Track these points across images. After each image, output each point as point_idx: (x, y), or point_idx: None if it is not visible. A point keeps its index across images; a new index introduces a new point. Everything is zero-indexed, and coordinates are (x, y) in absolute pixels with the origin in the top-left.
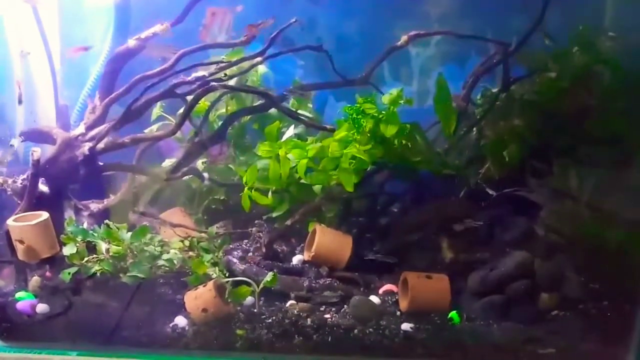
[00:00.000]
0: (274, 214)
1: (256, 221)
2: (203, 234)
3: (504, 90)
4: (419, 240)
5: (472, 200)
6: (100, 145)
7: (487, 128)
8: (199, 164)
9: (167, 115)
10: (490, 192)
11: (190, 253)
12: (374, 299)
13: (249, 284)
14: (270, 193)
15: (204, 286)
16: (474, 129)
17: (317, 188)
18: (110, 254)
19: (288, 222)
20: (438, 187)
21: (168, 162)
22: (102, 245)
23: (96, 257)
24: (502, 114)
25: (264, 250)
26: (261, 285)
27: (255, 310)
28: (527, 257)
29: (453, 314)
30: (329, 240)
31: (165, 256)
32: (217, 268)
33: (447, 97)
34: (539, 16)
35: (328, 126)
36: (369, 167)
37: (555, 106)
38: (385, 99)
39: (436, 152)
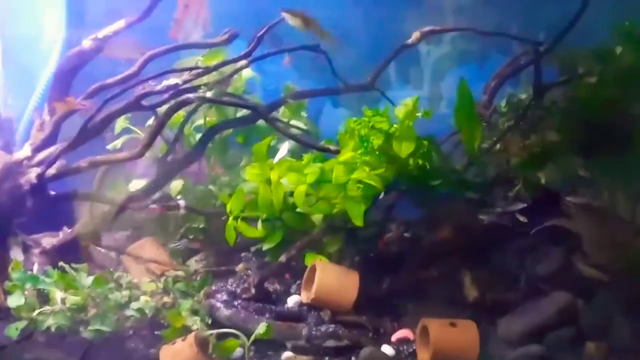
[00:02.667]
0: (265, 246)
1: (243, 254)
2: (180, 272)
3: (537, 97)
4: (437, 275)
5: (499, 228)
6: (51, 170)
7: (514, 142)
8: (176, 186)
9: (134, 128)
10: (522, 219)
11: (165, 299)
12: (387, 349)
13: (236, 336)
14: (259, 222)
15: (183, 340)
16: (498, 142)
17: (316, 217)
18: (67, 304)
19: (282, 259)
20: (458, 212)
21: (136, 184)
22: (57, 294)
23: (50, 309)
24: (534, 125)
25: (253, 291)
26: (252, 338)
27: None
28: (570, 301)
29: None
30: (331, 279)
31: (134, 305)
32: (198, 318)
33: (471, 106)
34: (580, 8)
35: (331, 147)
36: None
37: (599, 116)
38: (399, 111)
39: (455, 170)
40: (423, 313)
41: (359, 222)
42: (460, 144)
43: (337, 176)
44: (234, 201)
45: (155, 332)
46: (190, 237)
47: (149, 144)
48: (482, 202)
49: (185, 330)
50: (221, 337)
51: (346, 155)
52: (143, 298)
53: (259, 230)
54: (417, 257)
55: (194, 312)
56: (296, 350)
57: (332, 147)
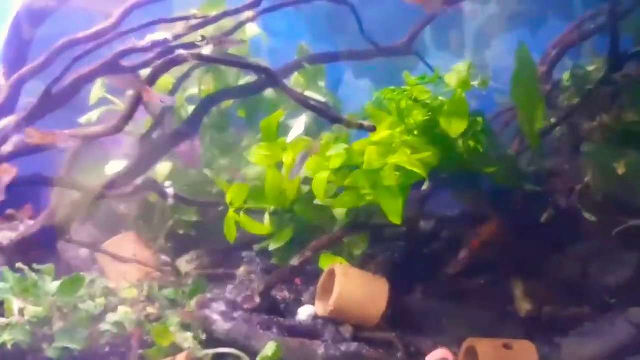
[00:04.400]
0: (272, 245)
1: (245, 254)
2: (167, 274)
3: (613, 69)
4: (482, 285)
5: (560, 228)
6: (7, 147)
7: (584, 124)
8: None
9: (112, 98)
10: (590, 217)
11: (150, 309)
12: None
13: (237, 357)
14: (266, 216)
15: None
16: (562, 123)
17: (339, 212)
18: (27, 316)
19: (294, 261)
20: (510, 207)
21: (115, 166)
22: (14, 303)
23: (5, 322)
24: (605, 103)
25: (257, 300)
26: (259, 359)
27: None
28: None
29: None
30: (354, 286)
31: (111, 317)
32: (190, 334)
33: (533, 77)
34: None
35: (365, 123)
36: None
37: None
38: (450, 78)
39: (511, 157)
40: (465, 330)
41: (396, 218)
42: (510, 126)
43: (370, 160)
44: (236, 190)
45: (139, 352)
46: (181, 232)
47: (128, 117)
48: (540, 196)
49: (174, 349)
50: (219, 358)
51: (382, 134)
52: (122, 309)
53: (265, 225)
54: (459, 261)
55: (185, 327)
56: None
57: (366, 124)
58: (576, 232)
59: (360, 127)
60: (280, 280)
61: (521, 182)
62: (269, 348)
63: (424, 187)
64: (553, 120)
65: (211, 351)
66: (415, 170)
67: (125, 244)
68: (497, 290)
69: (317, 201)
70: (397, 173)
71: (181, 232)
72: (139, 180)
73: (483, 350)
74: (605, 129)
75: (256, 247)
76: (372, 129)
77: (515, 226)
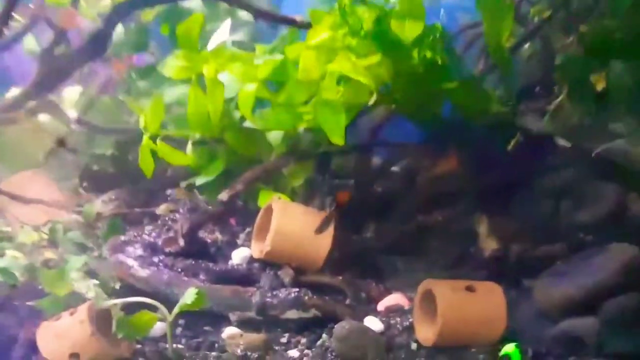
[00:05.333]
0: (199, 180)
1: (169, 192)
2: (76, 215)
3: None
4: (441, 222)
5: (530, 157)
6: None
7: (558, 37)
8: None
9: None
10: (564, 143)
11: (48, 254)
12: (372, 322)
13: (154, 306)
14: (189, 145)
15: (71, 314)
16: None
17: (274, 136)
18: None
19: (223, 196)
20: (473, 134)
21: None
22: None
23: None
24: (580, 15)
25: (181, 242)
26: (176, 310)
27: (168, 350)
28: (636, 256)
29: (512, 350)
30: (295, 224)
31: None
32: (94, 281)
33: None
34: None
35: (296, 17)
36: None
37: None
38: None
39: (475, 77)
40: (422, 273)
41: (337, 137)
42: (474, 44)
43: (306, 67)
44: (151, 113)
45: (28, 303)
46: (94, 168)
47: (4, 18)
48: (507, 120)
49: (76, 300)
50: (131, 308)
51: (320, 35)
52: (10, 253)
53: (187, 155)
54: (414, 197)
55: (90, 274)
56: (243, 324)
57: (298, 18)
58: (548, 161)
59: (292, 23)
60: (208, 219)
61: (486, 104)
62: (189, 295)
63: (371, 102)
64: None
65: (119, 300)
66: (362, 80)
67: (29, 183)
68: (457, 228)
69: (247, 123)
70: (339, 88)
71: (95, 168)
72: (32, 102)
73: (441, 293)
74: (583, 41)
75: (182, 184)
76: (308, 27)
77: (479, 156)
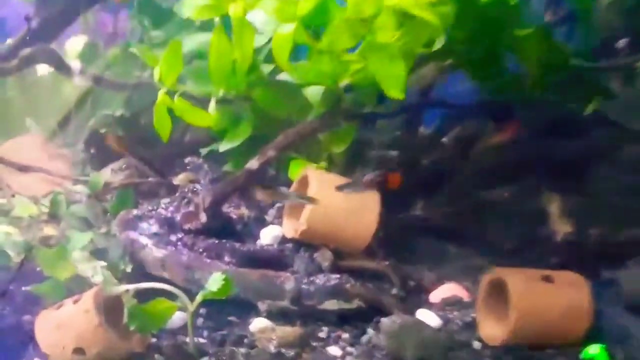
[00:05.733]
0: (223, 146)
1: (188, 159)
2: (79, 186)
3: None
4: (503, 200)
5: (609, 123)
6: None
7: None
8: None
9: None
10: None
11: (48, 229)
12: (426, 315)
13: (172, 294)
14: (212, 103)
15: (75, 302)
16: None
17: (313, 92)
18: None
19: (252, 164)
20: (544, 95)
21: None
22: None
23: None
24: None
25: (203, 218)
26: (199, 298)
27: (189, 344)
28: None
29: (596, 352)
30: (334, 198)
31: None
32: (100, 263)
33: None
34: None
35: None
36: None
37: None
38: None
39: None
40: (478, 259)
41: (395, 90)
42: None
43: (357, 6)
44: (167, 63)
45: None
46: (103, 130)
47: None
48: (587, 78)
49: (81, 285)
50: (145, 295)
51: None
52: (2, 228)
53: (209, 114)
54: (471, 170)
55: (98, 253)
56: (274, 315)
57: None
58: (633, 129)
59: None
60: (234, 191)
61: (561, 58)
62: (214, 280)
63: (436, 46)
64: None
65: (131, 286)
66: (426, 17)
67: (28, 148)
68: (523, 208)
69: (282, 76)
70: (396, 33)
71: (104, 131)
72: (27, 50)
73: (514, 284)
74: None
75: (203, 151)
76: None
77: (549, 122)
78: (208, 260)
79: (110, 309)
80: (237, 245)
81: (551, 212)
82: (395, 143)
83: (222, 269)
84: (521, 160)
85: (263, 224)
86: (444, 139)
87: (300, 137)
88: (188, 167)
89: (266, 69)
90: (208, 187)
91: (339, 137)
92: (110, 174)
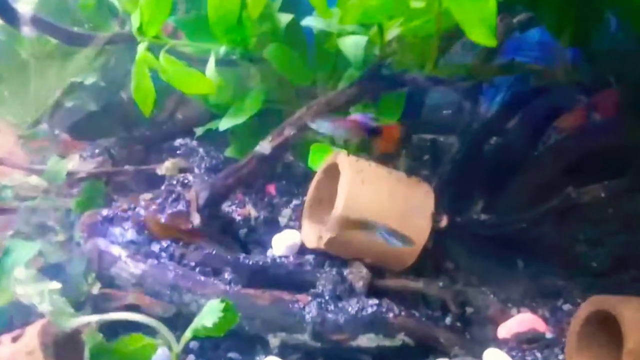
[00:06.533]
0: (224, 124)
1: (179, 142)
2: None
3: None
4: (593, 201)
5: None
6: None
7: None
8: None
9: None
10: None
11: None
12: (497, 356)
13: (151, 329)
14: (211, 63)
15: (14, 339)
16: None
17: (353, 46)
18: None
19: (264, 146)
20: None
21: None
22: None
23: None
24: None
25: (196, 220)
26: (187, 335)
27: None
28: None
29: None
30: (375, 194)
31: None
32: (46, 286)
33: None
34: None
35: None
36: None
37: None
38: None
39: None
40: (563, 280)
41: (484, 36)
42: None
43: None
44: (149, 6)
45: None
46: (70, 105)
47: None
48: None
49: (21, 314)
50: (117, 329)
51: None
52: None
53: (209, 81)
54: (553, 163)
55: (51, 271)
56: (289, 353)
57: None
58: None
59: None
60: (237, 184)
61: None
62: (210, 311)
63: None
64: None
65: (96, 317)
66: None
67: None
68: (620, 211)
69: (308, 21)
70: None
71: (70, 104)
72: None
73: (631, 319)
74: None
75: (198, 130)
76: None
77: None
78: (202, 278)
79: (63, 348)
80: (241, 257)
81: None
82: (448, 123)
83: (220, 290)
84: (620, 148)
85: (275, 228)
86: (514, 120)
87: (330, 110)
88: (178, 152)
89: (284, 18)
90: (204, 179)
91: (384, 109)
92: (77, 162)
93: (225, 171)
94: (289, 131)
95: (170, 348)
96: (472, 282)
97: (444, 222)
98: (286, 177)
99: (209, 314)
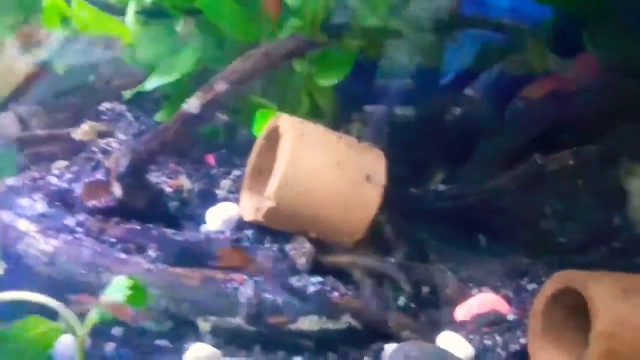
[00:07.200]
0: (150, 83)
1: (106, 106)
2: None
3: None
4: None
5: None
6: None
7: None
8: None
9: None
10: None
11: None
12: (453, 342)
13: (53, 312)
14: (130, 12)
15: None
16: None
17: None
18: None
19: (192, 106)
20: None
21: None
22: None
23: None
24: None
25: (117, 191)
26: (91, 317)
27: None
28: None
29: None
30: (320, 161)
31: None
32: None
33: None
34: None
35: None
36: None
37: None
38: None
39: None
40: (527, 257)
41: None
42: None
43: None
44: None
45: None
46: None
47: None
48: None
49: None
50: (14, 311)
51: None
52: None
53: (123, 26)
54: (520, 130)
55: None
56: (223, 338)
57: None
58: None
59: None
60: (162, 148)
61: None
62: (116, 288)
63: None
64: None
65: None
66: None
67: None
68: (591, 184)
69: None
70: None
71: None
72: None
73: (601, 296)
74: None
75: (128, 93)
76: None
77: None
78: (123, 256)
79: None
80: (170, 232)
81: (632, 191)
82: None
83: (143, 270)
84: (593, 113)
85: (213, 201)
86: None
87: (268, 64)
88: (104, 118)
89: None
90: (126, 146)
91: (328, 66)
92: None
93: (148, 134)
94: (220, 86)
95: (74, 333)
96: (429, 259)
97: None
98: (228, 147)
99: (113, 292)
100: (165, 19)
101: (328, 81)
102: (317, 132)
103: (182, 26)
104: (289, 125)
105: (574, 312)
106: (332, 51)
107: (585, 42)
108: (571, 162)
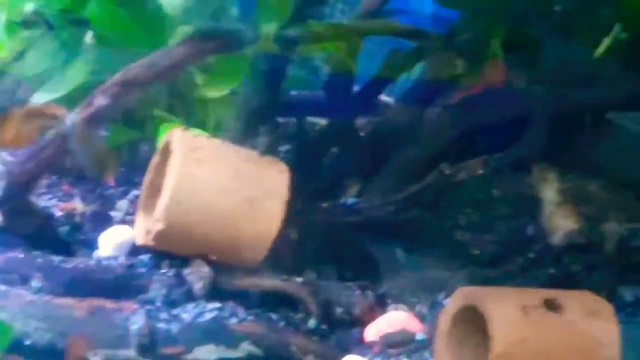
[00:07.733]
0: (36, 99)
1: None
2: None
3: None
4: (479, 181)
5: None
6: None
7: None
8: None
9: None
10: None
11: None
12: None
13: None
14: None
15: None
16: None
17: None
18: None
19: (77, 115)
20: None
21: None
22: None
23: None
24: None
25: None
26: None
27: None
28: None
29: None
30: (215, 177)
31: None
32: None
33: None
34: None
35: None
36: None
37: None
38: None
39: None
40: (442, 270)
41: None
42: None
43: None
44: None
45: None
46: None
47: None
48: None
49: None
50: None
51: None
52: None
53: None
54: (433, 140)
55: None
56: None
57: None
58: None
59: None
60: (40, 169)
61: None
62: None
63: None
64: None
65: None
66: None
67: None
68: (505, 191)
69: None
70: None
71: None
72: None
73: (498, 315)
74: None
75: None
76: None
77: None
78: (3, 288)
79: None
80: (57, 260)
81: (546, 199)
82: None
83: (24, 302)
84: (507, 120)
85: (108, 224)
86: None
87: (153, 75)
88: None
89: None
90: (8, 160)
91: (217, 75)
92: None
93: (23, 154)
94: (100, 101)
95: None
96: (339, 276)
97: None
98: (128, 164)
99: None
100: (50, 30)
101: (217, 92)
102: (211, 146)
103: (75, 38)
104: (178, 139)
105: (479, 329)
106: (222, 59)
107: (493, 47)
108: (480, 171)
